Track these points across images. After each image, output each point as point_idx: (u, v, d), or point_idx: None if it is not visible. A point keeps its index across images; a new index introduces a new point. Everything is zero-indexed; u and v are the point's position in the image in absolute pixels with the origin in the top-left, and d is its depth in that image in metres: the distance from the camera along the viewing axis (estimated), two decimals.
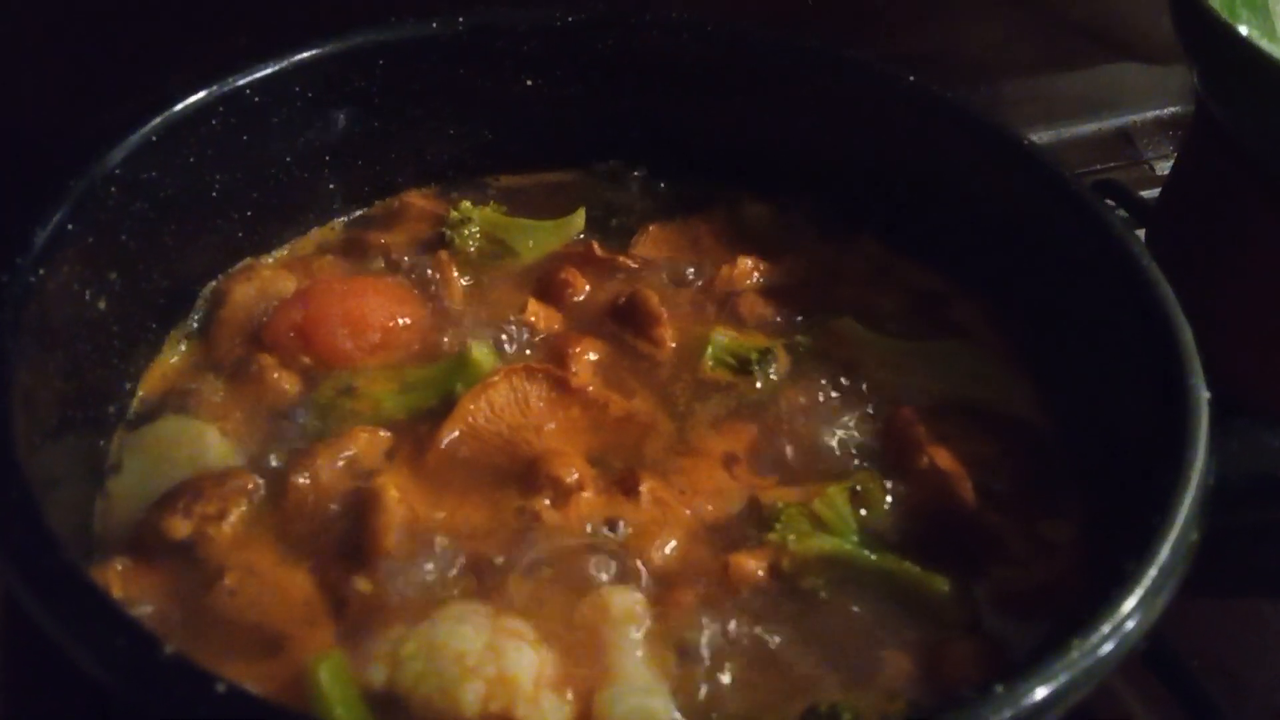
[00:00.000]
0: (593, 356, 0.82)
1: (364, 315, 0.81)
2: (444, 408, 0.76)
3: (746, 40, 0.91)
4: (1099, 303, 0.74)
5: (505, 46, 0.90)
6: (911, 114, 0.87)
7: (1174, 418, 0.61)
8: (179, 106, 0.76)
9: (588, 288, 0.88)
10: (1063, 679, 0.50)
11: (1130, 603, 0.52)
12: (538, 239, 0.92)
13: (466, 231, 0.90)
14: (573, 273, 0.88)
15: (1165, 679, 0.85)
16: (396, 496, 0.70)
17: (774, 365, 0.83)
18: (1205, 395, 0.62)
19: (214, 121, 0.79)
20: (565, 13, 0.90)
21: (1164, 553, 0.54)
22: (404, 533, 0.70)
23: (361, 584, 0.67)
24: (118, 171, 0.73)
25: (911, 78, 0.87)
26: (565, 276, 0.88)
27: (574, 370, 0.80)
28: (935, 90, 0.86)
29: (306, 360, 0.80)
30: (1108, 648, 0.51)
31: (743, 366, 0.83)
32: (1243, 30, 0.97)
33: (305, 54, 0.82)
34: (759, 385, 0.82)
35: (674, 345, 0.84)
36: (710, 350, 0.83)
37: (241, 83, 0.80)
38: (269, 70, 0.81)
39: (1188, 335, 0.65)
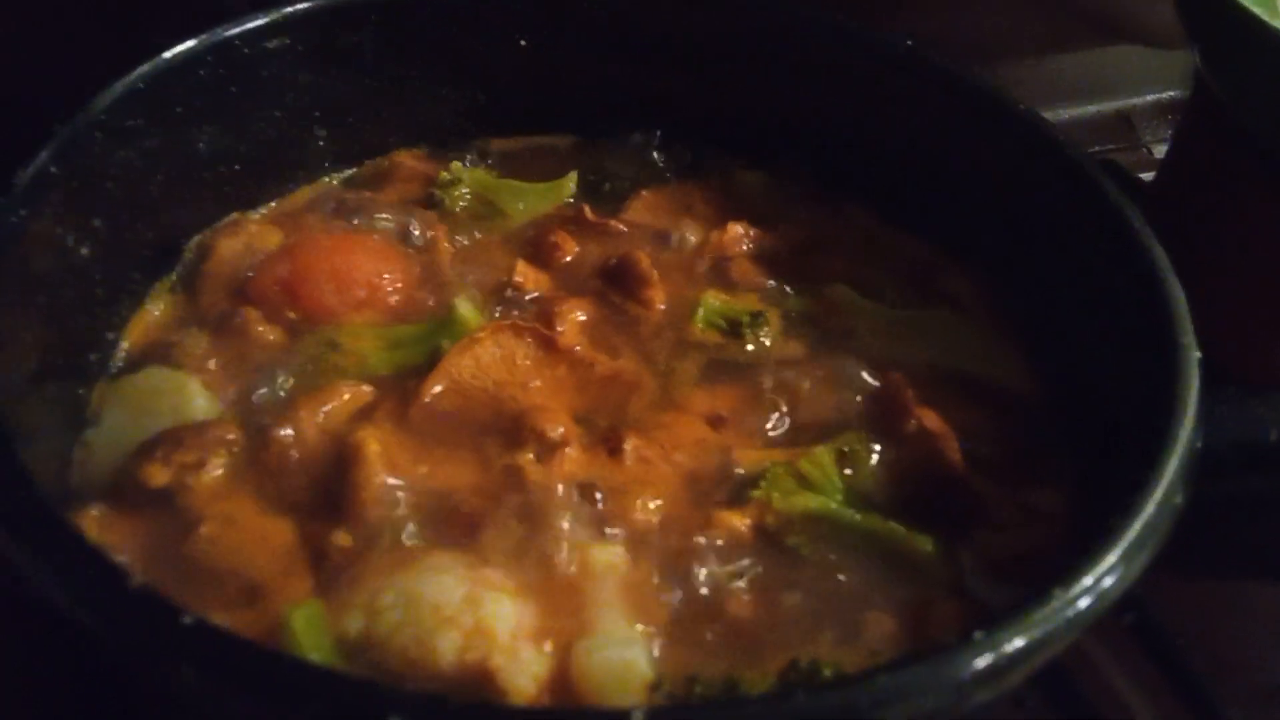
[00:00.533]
0: (581, 316, 0.82)
1: (350, 271, 0.80)
2: (429, 365, 0.76)
3: (741, 5, 0.91)
4: (1092, 266, 0.74)
5: (498, 6, 0.90)
6: (905, 81, 0.87)
7: (1164, 376, 0.60)
8: (166, 55, 0.76)
9: (577, 250, 0.87)
10: (1042, 630, 0.49)
11: (1112, 557, 0.52)
12: (528, 201, 0.91)
13: (456, 192, 0.90)
14: (562, 235, 0.87)
15: (1154, 658, 0.85)
16: (377, 450, 0.69)
17: (765, 328, 0.82)
18: (1196, 354, 0.61)
19: (202, 72, 0.79)
20: None
21: (1149, 508, 0.54)
22: (385, 486, 0.69)
23: (341, 537, 0.66)
24: (103, 117, 0.72)
25: (909, 42, 0.86)
26: (555, 239, 0.87)
27: (561, 330, 0.80)
28: (930, 56, 0.85)
29: (291, 315, 0.79)
30: (1087, 600, 0.51)
31: (733, 329, 0.82)
32: None
33: (296, 7, 0.82)
34: (749, 347, 0.81)
35: (664, 307, 0.84)
36: (701, 312, 0.83)
37: (230, 34, 0.79)
38: (259, 22, 0.80)
39: (1180, 295, 0.65)
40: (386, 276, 0.82)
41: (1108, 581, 0.53)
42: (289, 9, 0.81)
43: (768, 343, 0.81)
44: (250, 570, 0.66)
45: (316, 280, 0.80)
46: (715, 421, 0.75)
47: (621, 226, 0.89)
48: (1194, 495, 0.63)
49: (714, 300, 0.83)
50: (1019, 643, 0.49)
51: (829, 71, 0.90)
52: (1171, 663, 0.85)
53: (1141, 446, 0.59)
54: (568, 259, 0.87)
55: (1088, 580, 0.51)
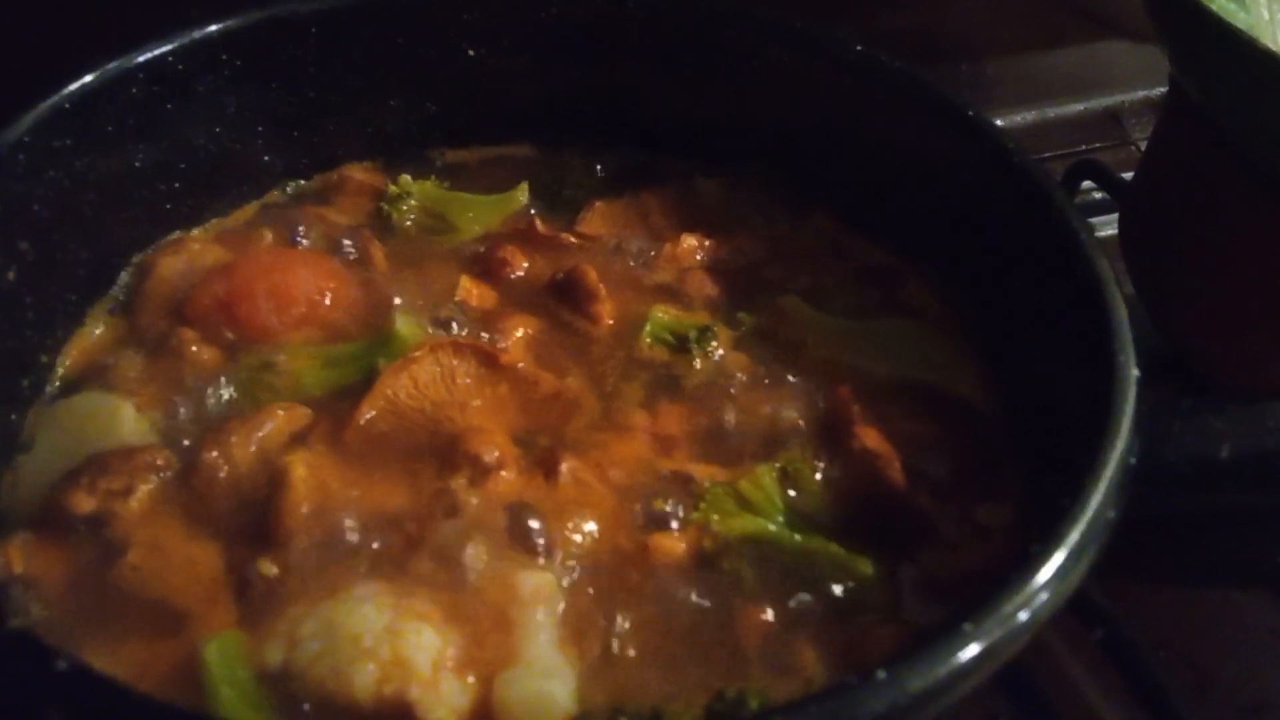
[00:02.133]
0: (525, 333, 0.80)
1: (289, 288, 0.79)
2: (367, 384, 0.74)
3: (694, 9, 0.89)
4: (1041, 277, 0.72)
5: (445, 15, 0.88)
6: (861, 85, 0.85)
7: (1102, 392, 0.58)
8: (91, 76, 0.75)
9: (526, 265, 0.86)
10: (960, 660, 0.47)
11: (1039, 579, 0.50)
12: (478, 214, 0.90)
13: (404, 206, 0.88)
14: (511, 250, 0.86)
15: (1123, 672, 0.83)
16: (304, 475, 0.68)
17: (714, 343, 0.80)
18: (1134, 372, 0.59)
19: (134, 90, 0.77)
20: None
21: (1073, 534, 0.51)
22: (314, 512, 0.68)
23: (265, 565, 0.65)
24: (27, 139, 0.71)
25: (859, 47, 0.84)
26: (503, 255, 0.85)
27: (505, 347, 0.78)
28: (884, 59, 0.83)
29: (229, 334, 0.78)
30: (1012, 625, 0.49)
31: (681, 344, 0.80)
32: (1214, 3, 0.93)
33: (230, 22, 0.81)
34: (697, 364, 0.79)
35: (612, 322, 0.82)
36: (648, 328, 0.81)
37: (161, 51, 0.78)
38: (192, 38, 0.79)
39: (1121, 311, 0.63)
40: (328, 294, 0.80)
41: (1036, 603, 0.51)
42: (221, 25, 0.80)
43: (715, 358, 0.79)
44: (175, 598, 0.65)
45: (254, 298, 0.78)
46: (657, 441, 0.74)
47: (572, 239, 0.87)
48: (1160, 508, 0.61)
49: (662, 315, 0.81)
50: (938, 675, 0.47)
51: (785, 75, 0.88)
52: (1139, 677, 0.83)
53: (1079, 462, 0.57)
54: (516, 274, 0.85)
55: (1007, 609, 0.49)
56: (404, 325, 0.77)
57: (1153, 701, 0.82)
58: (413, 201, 0.89)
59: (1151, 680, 0.82)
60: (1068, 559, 0.51)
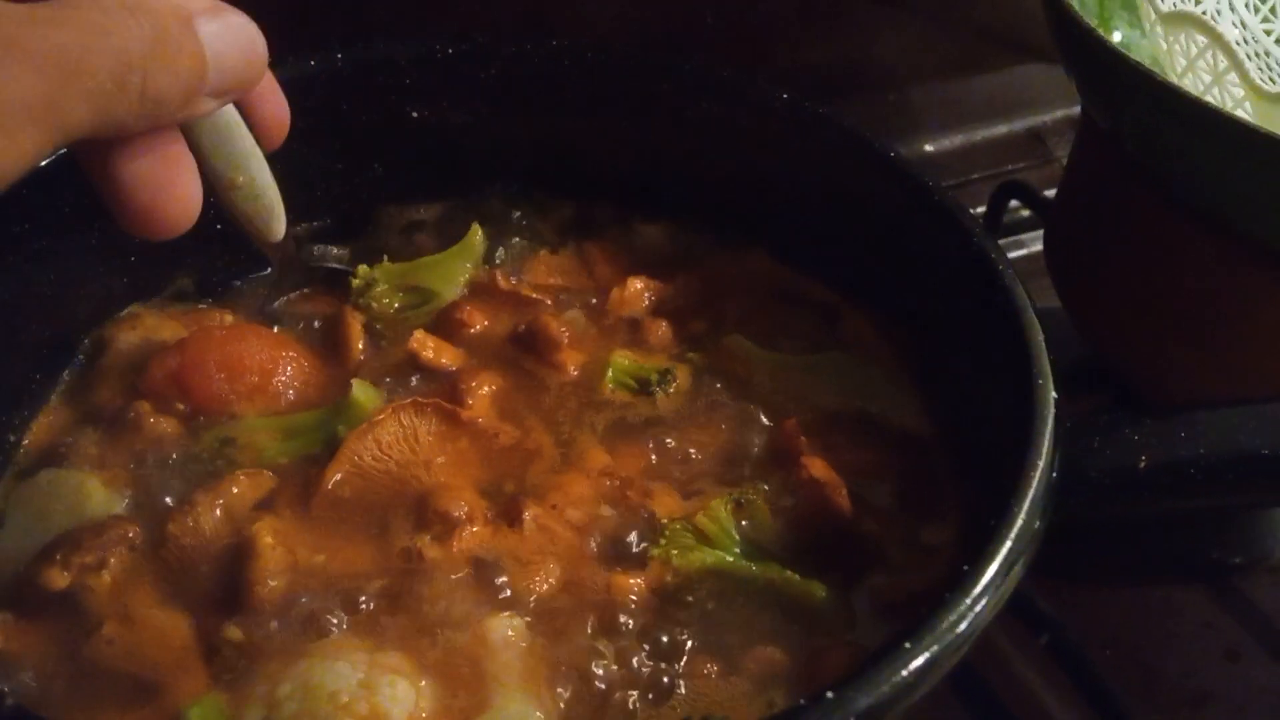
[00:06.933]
0: (489, 389, 0.82)
1: (241, 359, 0.80)
2: (329, 451, 0.75)
3: (623, 64, 0.92)
4: (964, 309, 0.76)
5: (387, 80, 0.91)
6: (785, 129, 0.88)
7: (1023, 415, 0.62)
8: (45, 161, 0.76)
9: (485, 322, 0.88)
10: (901, 677, 0.51)
11: (968, 599, 0.53)
12: (445, 270, 0.91)
13: (376, 290, 0.89)
14: (468, 310, 0.88)
15: (1071, 675, 0.87)
16: (271, 543, 0.69)
17: (673, 384, 0.83)
18: (1052, 395, 0.63)
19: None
20: (445, 44, 0.91)
21: (1001, 550, 0.55)
22: (283, 578, 0.69)
23: (231, 631, 0.66)
24: None
25: (785, 94, 0.88)
26: (459, 315, 0.87)
27: (470, 403, 0.80)
28: (807, 105, 0.87)
29: (182, 407, 0.79)
30: (949, 640, 0.52)
31: (643, 387, 0.83)
32: (1117, 34, 0.99)
33: None
34: (658, 405, 0.82)
35: (575, 370, 0.84)
36: (610, 373, 0.83)
37: None
38: None
39: (1038, 335, 0.66)
40: (281, 364, 0.81)
41: (971, 616, 0.54)
42: None
43: (676, 398, 0.82)
44: (148, 668, 0.66)
45: (206, 370, 0.79)
46: (616, 481, 0.76)
47: (530, 293, 0.90)
48: (1088, 518, 0.65)
49: (623, 360, 0.84)
50: (882, 692, 0.51)
51: (713, 122, 0.92)
52: (1085, 678, 0.87)
53: (1005, 481, 0.61)
54: (474, 329, 0.87)
55: (946, 623, 0.53)
56: (360, 391, 0.79)
57: (1099, 700, 0.86)
58: (380, 285, 0.89)
59: (1096, 680, 0.86)
60: (997, 573, 0.55)
